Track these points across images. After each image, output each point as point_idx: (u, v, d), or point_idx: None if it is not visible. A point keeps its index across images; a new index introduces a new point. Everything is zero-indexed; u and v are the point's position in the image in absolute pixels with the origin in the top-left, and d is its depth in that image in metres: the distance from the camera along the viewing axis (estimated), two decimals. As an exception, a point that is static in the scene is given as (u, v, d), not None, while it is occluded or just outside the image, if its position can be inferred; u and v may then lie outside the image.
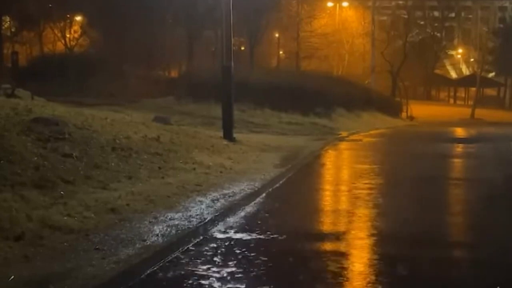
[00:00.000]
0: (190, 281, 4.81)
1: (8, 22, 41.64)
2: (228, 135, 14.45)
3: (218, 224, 6.67)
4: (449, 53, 66.22)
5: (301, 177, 10.72)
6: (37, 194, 6.92)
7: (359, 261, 5.47)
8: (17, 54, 31.87)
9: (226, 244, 5.89)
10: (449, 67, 67.29)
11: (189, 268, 5.12)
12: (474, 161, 13.86)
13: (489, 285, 4.94)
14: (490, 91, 62.23)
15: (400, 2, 54.17)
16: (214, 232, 6.30)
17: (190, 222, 6.74)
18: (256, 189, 8.90)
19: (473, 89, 51.42)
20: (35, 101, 16.11)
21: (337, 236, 6.26)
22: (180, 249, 5.65)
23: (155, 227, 6.43)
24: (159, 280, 4.89)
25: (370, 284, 4.84)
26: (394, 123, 30.38)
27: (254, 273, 5.05)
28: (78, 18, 38.53)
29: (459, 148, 16.53)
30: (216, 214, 7.15)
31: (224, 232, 6.31)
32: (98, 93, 27.87)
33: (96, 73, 30.99)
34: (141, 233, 6.20)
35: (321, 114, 25.11)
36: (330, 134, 19.71)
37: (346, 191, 9.28)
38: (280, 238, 6.21)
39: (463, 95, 63.32)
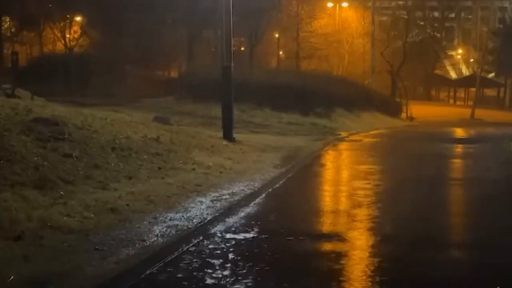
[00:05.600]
0: (189, 281, 4.81)
1: (8, 22, 41.61)
2: (228, 135, 14.44)
3: (218, 224, 6.67)
4: (449, 53, 66.17)
5: (301, 178, 10.73)
6: (37, 194, 6.93)
7: (359, 261, 5.47)
8: (17, 54, 31.77)
9: (226, 244, 5.89)
10: (449, 68, 67.23)
11: (189, 268, 5.12)
12: (474, 162, 13.85)
13: (488, 285, 4.95)
14: (490, 92, 62.20)
15: (400, 2, 54.11)
16: (214, 233, 6.31)
17: (190, 222, 6.74)
18: (256, 189, 8.90)
19: (473, 89, 51.40)
20: (35, 101, 16.15)
21: (337, 237, 6.26)
22: (180, 249, 5.66)
23: (155, 227, 6.44)
24: (158, 280, 4.90)
25: (368, 285, 4.84)
26: (394, 123, 30.38)
27: (253, 273, 5.06)
28: (78, 18, 38.48)
29: (458, 149, 16.53)
30: (216, 214, 7.15)
31: (224, 233, 6.31)
32: (98, 93, 27.88)
33: (96, 73, 31.00)
34: (141, 233, 6.20)
35: (321, 114, 25.13)
36: (330, 134, 19.71)
37: (345, 192, 9.28)
38: (279, 238, 6.22)
39: (463, 95, 63.30)
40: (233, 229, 6.49)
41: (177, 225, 6.59)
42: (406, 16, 47.61)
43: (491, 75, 59.16)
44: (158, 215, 6.93)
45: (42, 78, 27.65)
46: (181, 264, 5.23)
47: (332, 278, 4.97)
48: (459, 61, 67.42)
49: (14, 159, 7.71)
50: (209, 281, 4.83)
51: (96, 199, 7.20)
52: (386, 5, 56.65)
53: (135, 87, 31.00)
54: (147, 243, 5.90)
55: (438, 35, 63.26)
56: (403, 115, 35.50)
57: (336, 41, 49.54)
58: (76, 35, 37.30)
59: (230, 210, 7.41)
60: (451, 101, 63.77)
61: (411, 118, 35.02)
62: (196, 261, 5.31)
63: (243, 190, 8.77)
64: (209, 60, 36.76)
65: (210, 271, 5.05)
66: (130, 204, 7.23)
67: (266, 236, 6.26)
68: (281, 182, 9.68)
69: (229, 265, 5.24)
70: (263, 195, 8.53)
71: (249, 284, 4.80)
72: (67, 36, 36.38)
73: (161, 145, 11.16)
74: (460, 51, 66.75)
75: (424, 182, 10.27)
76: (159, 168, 9.58)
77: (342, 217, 7.33)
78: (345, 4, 50.98)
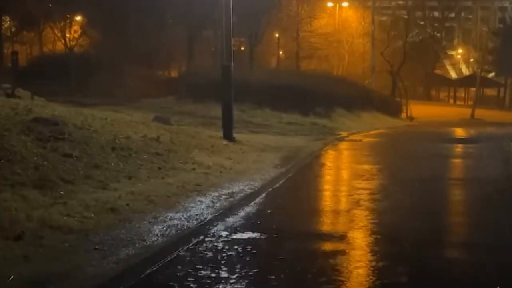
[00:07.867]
0: (189, 281, 4.81)
1: (8, 22, 41.61)
2: (228, 135, 14.45)
3: (218, 224, 6.67)
4: (449, 53, 66.21)
5: (301, 177, 10.73)
6: (37, 194, 6.93)
7: (358, 262, 5.47)
8: (17, 54, 31.75)
9: (226, 244, 5.89)
10: (449, 67, 67.26)
11: (189, 268, 5.12)
12: (474, 162, 13.85)
13: (488, 285, 4.95)
14: (490, 91, 62.20)
15: (400, 2, 54.17)
16: (214, 232, 6.31)
17: (190, 222, 6.75)
18: (256, 189, 8.91)
19: (473, 89, 51.37)
20: (35, 101, 16.13)
21: (336, 237, 6.26)
22: (180, 249, 5.66)
23: (155, 227, 6.44)
24: (159, 280, 4.90)
25: (367, 285, 4.85)
26: (394, 123, 30.36)
27: (253, 272, 5.06)
28: (78, 18, 38.48)
29: (459, 149, 16.52)
30: (216, 214, 7.16)
31: (224, 232, 6.32)
32: (98, 93, 27.89)
33: (96, 73, 30.98)
34: (140, 233, 6.21)
35: (321, 114, 25.14)
36: (330, 134, 19.71)
37: (345, 192, 9.28)
38: (279, 238, 6.22)
39: (463, 95, 63.30)
40: (233, 228, 6.49)
41: (177, 224, 6.60)
42: (406, 16, 47.60)
43: (491, 75, 59.16)
44: (158, 215, 6.93)
45: (42, 78, 27.65)
46: (181, 264, 5.23)
47: (332, 278, 4.97)
48: (459, 61, 67.44)
49: (14, 159, 7.71)
50: (209, 280, 4.83)
51: (96, 199, 7.20)
52: (386, 5, 56.68)
53: (135, 87, 30.98)
54: (147, 242, 5.90)
55: (438, 35, 63.30)
56: (403, 115, 35.48)
57: (336, 41, 49.58)
58: (76, 35, 37.26)
59: (230, 209, 7.42)
60: (451, 101, 63.78)
61: (411, 118, 35.00)
62: (196, 261, 5.31)
63: (243, 189, 8.78)
64: (209, 60, 36.78)
65: (210, 270, 5.06)
66: (130, 204, 7.23)
67: (266, 235, 6.26)
68: (281, 182, 9.68)
69: (229, 264, 5.24)
70: (263, 194, 8.54)
71: (249, 283, 4.80)
72: (67, 36, 36.34)
73: (161, 145, 11.17)
74: (460, 51, 66.77)
75: (424, 182, 10.26)
76: (159, 168, 9.58)
77: (342, 217, 7.33)
78: (345, 4, 51.01)
